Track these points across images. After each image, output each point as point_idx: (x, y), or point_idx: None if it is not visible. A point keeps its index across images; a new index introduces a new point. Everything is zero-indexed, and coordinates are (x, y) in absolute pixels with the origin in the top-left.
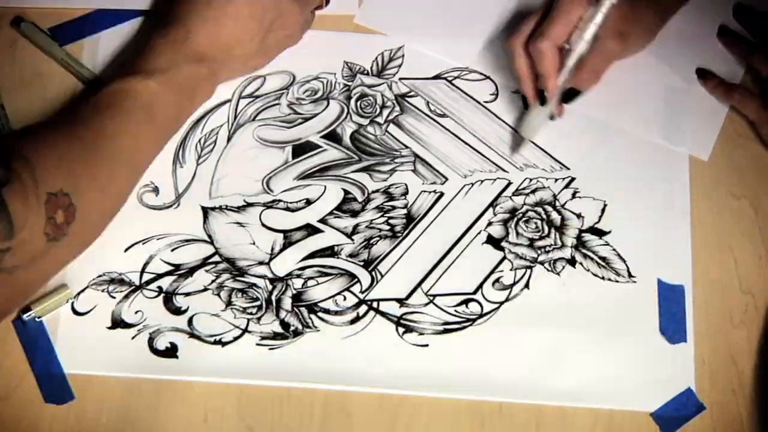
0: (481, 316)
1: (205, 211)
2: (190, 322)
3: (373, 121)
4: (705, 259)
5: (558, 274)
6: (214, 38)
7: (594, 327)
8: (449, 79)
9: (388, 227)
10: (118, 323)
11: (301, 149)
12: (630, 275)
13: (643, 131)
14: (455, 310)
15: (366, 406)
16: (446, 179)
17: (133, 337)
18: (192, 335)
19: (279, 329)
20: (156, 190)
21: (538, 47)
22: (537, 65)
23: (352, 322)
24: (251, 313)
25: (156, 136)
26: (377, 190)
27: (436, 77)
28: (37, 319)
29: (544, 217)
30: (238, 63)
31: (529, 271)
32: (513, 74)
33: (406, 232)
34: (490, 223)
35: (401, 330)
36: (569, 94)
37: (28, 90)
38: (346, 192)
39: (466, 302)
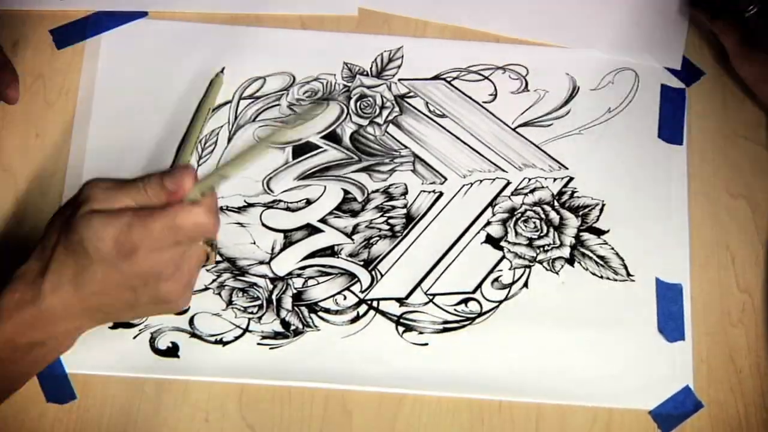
0: (480, 315)
1: None
2: (191, 321)
3: (373, 122)
4: (703, 258)
5: (557, 273)
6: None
7: (592, 325)
8: (448, 79)
9: (387, 227)
10: (119, 323)
11: (301, 150)
12: (628, 274)
13: (611, 52)
14: (455, 309)
15: (366, 404)
16: (445, 179)
17: (134, 337)
18: (193, 335)
19: (280, 328)
20: None
21: None
22: None
23: (353, 321)
24: (252, 313)
25: None
26: (377, 190)
27: (435, 78)
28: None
29: (543, 216)
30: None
31: (528, 270)
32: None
33: (405, 231)
34: (489, 223)
35: (401, 329)
36: None
37: (29, 92)
38: (346, 192)
39: (465, 301)
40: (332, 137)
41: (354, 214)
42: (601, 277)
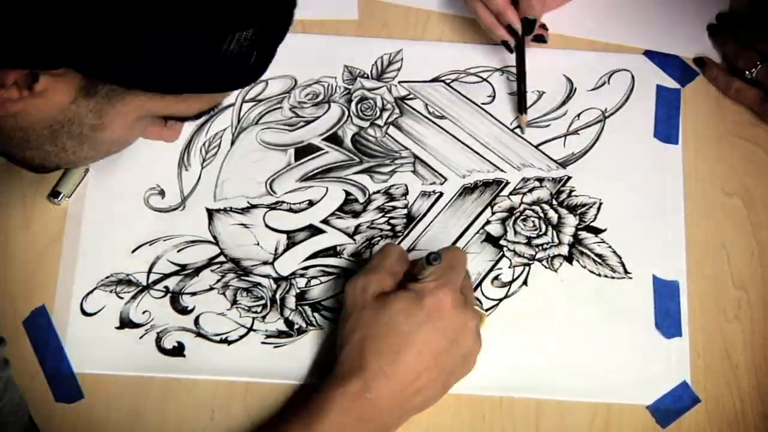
0: None
1: (210, 212)
2: (196, 321)
3: (374, 124)
4: (699, 255)
5: (555, 271)
6: (396, 392)
7: (591, 322)
8: (447, 81)
9: (389, 227)
10: (126, 323)
11: (304, 152)
12: (626, 272)
13: (638, 42)
14: None
15: None
16: (445, 179)
17: (140, 337)
18: (198, 334)
19: (283, 327)
20: (162, 192)
21: None
22: (490, 7)
23: None
24: (256, 312)
25: None
26: (378, 191)
27: (435, 80)
28: (66, 199)
29: (542, 215)
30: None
31: (527, 268)
32: (484, 27)
33: (406, 231)
34: (488, 222)
35: None
36: (527, 25)
37: None
38: (348, 193)
39: None
40: (333, 139)
41: (356, 214)
42: (599, 274)
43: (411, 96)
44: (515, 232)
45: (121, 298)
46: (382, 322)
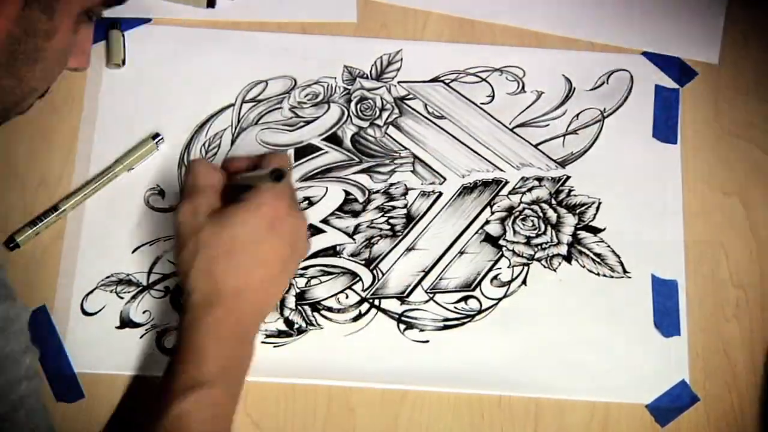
0: (479, 312)
1: None
2: None
3: (373, 124)
4: (697, 254)
5: (554, 270)
6: (255, 305)
7: (590, 322)
8: (447, 81)
9: (388, 227)
10: (126, 323)
11: (303, 152)
12: (624, 271)
13: (649, 46)
14: (455, 307)
15: (369, 400)
16: (444, 179)
17: (141, 337)
18: None
19: (283, 327)
20: (162, 193)
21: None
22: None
23: (355, 319)
24: None
25: None
26: (377, 191)
27: (434, 80)
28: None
29: (541, 215)
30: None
31: (526, 268)
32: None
33: (406, 231)
34: (487, 222)
35: (402, 327)
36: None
37: None
38: (347, 193)
39: (465, 299)
40: (333, 139)
41: (355, 214)
42: (598, 274)
43: (410, 96)
44: (514, 232)
45: (122, 297)
46: (224, 238)
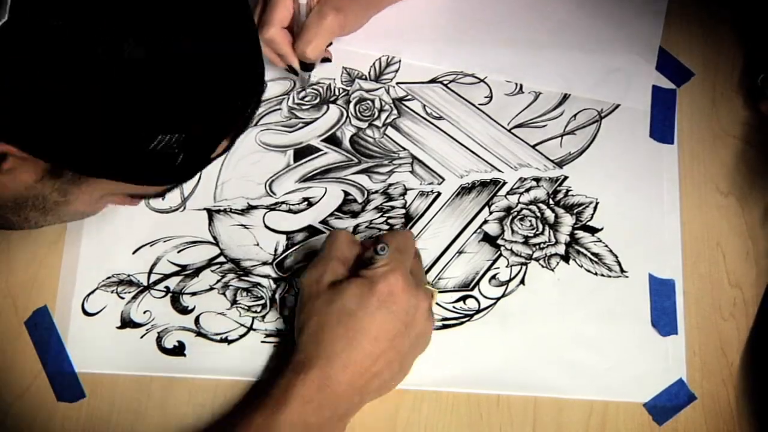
0: (478, 311)
1: (210, 213)
2: (196, 320)
3: (372, 125)
4: (694, 254)
5: (552, 270)
6: (354, 378)
7: (588, 321)
8: (445, 82)
9: (387, 227)
10: (127, 323)
11: (302, 153)
12: (622, 270)
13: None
14: (453, 307)
15: None
16: (443, 179)
17: (141, 337)
18: (199, 334)
19: (283, 327)
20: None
21: (266, 38)
22: (276, 50)
23: None
24: (256, 312)
25: None
26: (376, 191)
27: (432, 81)
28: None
29: (539, 215)
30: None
31: (524, 267)
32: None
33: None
34: (486, 222)
35: None
36: (305, 66)
37: None
38: (347, 193)
39: (463, 298)
40: (332, 140)
41: (354, 215)
42: (596, 273)
43: (409, 97)
44: (512, 232)
45: (122, 298)
46: (336, 309)
